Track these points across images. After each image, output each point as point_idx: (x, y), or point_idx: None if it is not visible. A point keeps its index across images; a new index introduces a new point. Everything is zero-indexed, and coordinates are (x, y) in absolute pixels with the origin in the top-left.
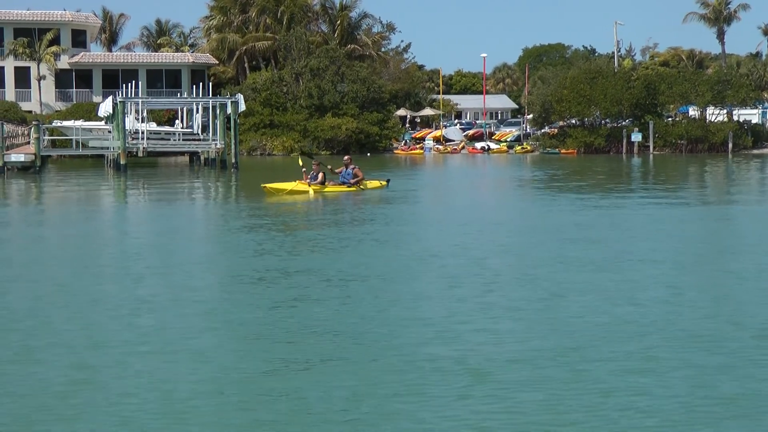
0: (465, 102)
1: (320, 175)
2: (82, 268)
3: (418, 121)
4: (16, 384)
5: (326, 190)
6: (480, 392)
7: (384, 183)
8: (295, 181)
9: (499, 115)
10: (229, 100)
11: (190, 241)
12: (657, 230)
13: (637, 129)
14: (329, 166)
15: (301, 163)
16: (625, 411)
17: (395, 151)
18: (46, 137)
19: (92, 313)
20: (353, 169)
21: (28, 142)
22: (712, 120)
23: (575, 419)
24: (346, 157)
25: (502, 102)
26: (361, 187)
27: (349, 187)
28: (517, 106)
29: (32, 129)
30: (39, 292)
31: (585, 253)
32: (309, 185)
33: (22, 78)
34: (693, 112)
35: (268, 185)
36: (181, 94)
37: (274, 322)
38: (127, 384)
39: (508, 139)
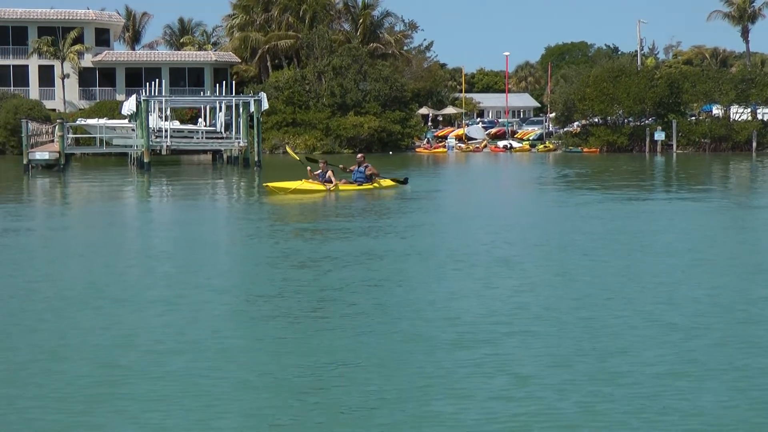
0: (487, 100)
1: (329, 173)
2: (112, 267)
3: (441, 119)
4: (43, 384)
5: (340, 188)
6: (519, 394)
7: (402, 181)
8: (301, 180)
9: (522, 113)
10: (253, 99)
11: (215, 240)
12: (695, 231)
13: (660, 128)
14: (341, 165)
15: (297, 158)
16: (667, 414)
17: (417, 150)
18: (70, 135)
19: (119, 312)
20: (366, 167)
21: (52, 140)
22: (736, 119)
23: (616, 421)
24: (359, 156)
25: (524, 100)
26: (375, 185)
27: (360, 185)
28: (539, 105)
29: (57, 127)
30: (65, 292)
31: (624, 255)
32: (324, 185)
33: (46, 76)
34: (717, 110)
35: (270, 184)
36: (203, 93)
37: (306, 324)
38: (154, 385)
39: (531, 138)
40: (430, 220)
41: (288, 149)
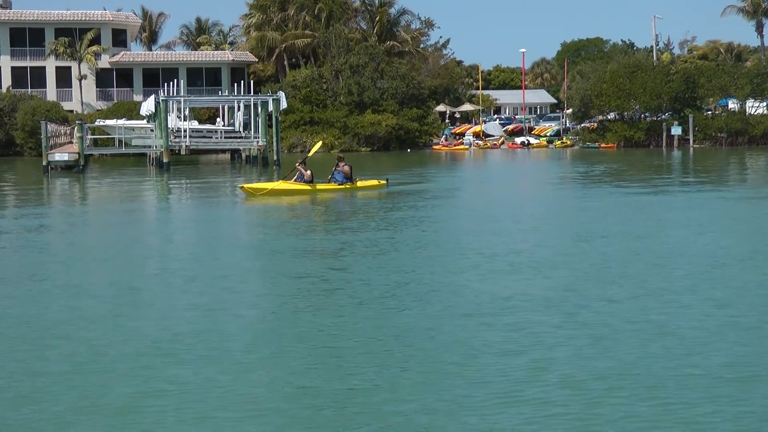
0: (504, 97)
1: (307, 173)
2: (136, 269)
3: (458, 116)
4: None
5: (318, 188)
6: (563, 398)
7: (383, 182)
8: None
9: (538, 110)
10: (271, 98)
11: (237, 240)
12: (736, 227)
13: (676, 122)
14: (297, 163)
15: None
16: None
17: (434, 147)
18: (89, 136)
19: (142, 318)
20: (344, 167)
21: (70, 142)
22: (752, 113)
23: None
24: (339, 155)
25: (540, 97)
26: (355, 185)
27: (340, 185)
28: (555, 101)
29: (76, 128)
30: (86, 296)
31: (665, 255)
32: (303, 185)
33: (64, 78)
34: (732, 105)
35: (245, 185)
36: (221, 93)
37: (332, 326)
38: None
39: (548, 134)
40: (472, 219)
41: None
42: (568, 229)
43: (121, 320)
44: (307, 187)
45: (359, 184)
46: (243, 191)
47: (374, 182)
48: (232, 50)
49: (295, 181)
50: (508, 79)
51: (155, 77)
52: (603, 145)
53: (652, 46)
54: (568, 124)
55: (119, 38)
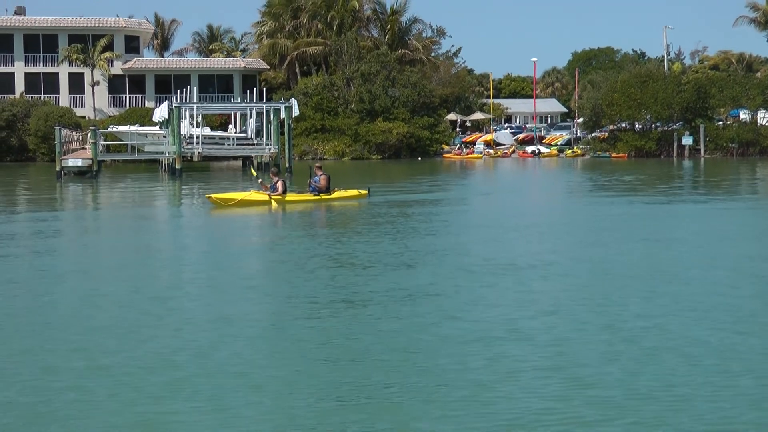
0: (515, 106)
1: (279, 184)
2: (151, 275)
3: (469, 125)
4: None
5: (288, 199)
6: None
7: (365, 192)
8: (250, 191)
9: (549, 118)
10: (284, 105)
11: (250, 247)
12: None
13: (688, 132)
14: (260, 180)
15: (255, 174)
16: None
17: (444, 156)
18: (102, 142)
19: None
20: (321, 176)
21: (83, 147)
22: (764, 123)
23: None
24: (317, 164)
25: (551, 106)
26: (334, 194)
27: (315, 195)
28: (566, 110)
29: (89, 134)
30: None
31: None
32: (269, 196)
33: (76, 84)
34: (744, 115)
35: (212, 195)
36: (232, 99)
37: (348, 336)
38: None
39: (559, 143)
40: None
41: (251, 170)
42: (626, 244)
43: (135, 331)
44: (277, 197)
45: (337, 194)
46: (210, 201)
47: (354, 192)
48: (244, 57)
49: (270, 191)
50: (519, 88)
51: (167, 84)
52: (614, 154)
53: (663, 56)
54: (578, 134)
55: (132, 45)
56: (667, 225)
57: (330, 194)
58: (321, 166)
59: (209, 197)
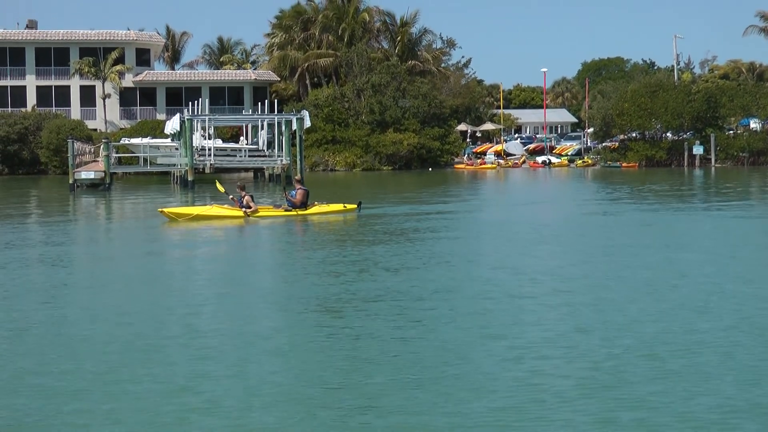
0: (525, 116)
1: (246, 198)
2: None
3: (479, 135)
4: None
5: (260, 215)
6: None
7: (351, 207)
8: (212, 205)
9: (559, 129)
10: (295, 117)
11: (262, 257)
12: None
13: (698, 142)
14: (231, 196)
15: (222, 189)
16: None
17: (456, 166)
18: (115, 154)
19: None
20: (299, 190)
21: (95, 160)
22: None
23: None
24: (295, 178)
25: (561, 116)
26: (315, 209)
27: (287, 210)
28: (576, 120)
29: (102, 146)
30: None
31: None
32: (242, 210)
33: (88, 96)
34: (754, 124)
35: (165, 209)
36: (243, 111)
37: (361, 345)
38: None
39: (569, 153)
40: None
41: (217, 184)
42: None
43: (145, 340)
44: (239, 212)
45: (318, 209)
46: (163, 215)
47: (338, 206)
48: (255, 69)
49: (237, 204)
50: (529, 99)
51: (178, 96)
52: (624, 164)
53: (673, 66)
54: (589, 143)
55: (143, 57)
56: (700, 234)
57: (306, 209)
58: (300, 180)
59: (162, 211)
